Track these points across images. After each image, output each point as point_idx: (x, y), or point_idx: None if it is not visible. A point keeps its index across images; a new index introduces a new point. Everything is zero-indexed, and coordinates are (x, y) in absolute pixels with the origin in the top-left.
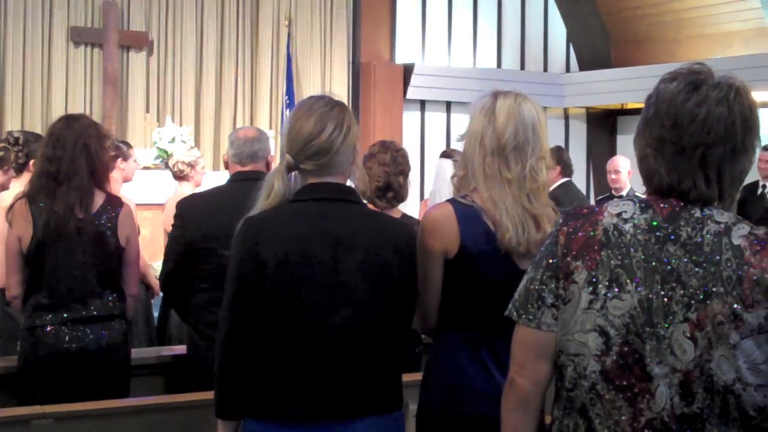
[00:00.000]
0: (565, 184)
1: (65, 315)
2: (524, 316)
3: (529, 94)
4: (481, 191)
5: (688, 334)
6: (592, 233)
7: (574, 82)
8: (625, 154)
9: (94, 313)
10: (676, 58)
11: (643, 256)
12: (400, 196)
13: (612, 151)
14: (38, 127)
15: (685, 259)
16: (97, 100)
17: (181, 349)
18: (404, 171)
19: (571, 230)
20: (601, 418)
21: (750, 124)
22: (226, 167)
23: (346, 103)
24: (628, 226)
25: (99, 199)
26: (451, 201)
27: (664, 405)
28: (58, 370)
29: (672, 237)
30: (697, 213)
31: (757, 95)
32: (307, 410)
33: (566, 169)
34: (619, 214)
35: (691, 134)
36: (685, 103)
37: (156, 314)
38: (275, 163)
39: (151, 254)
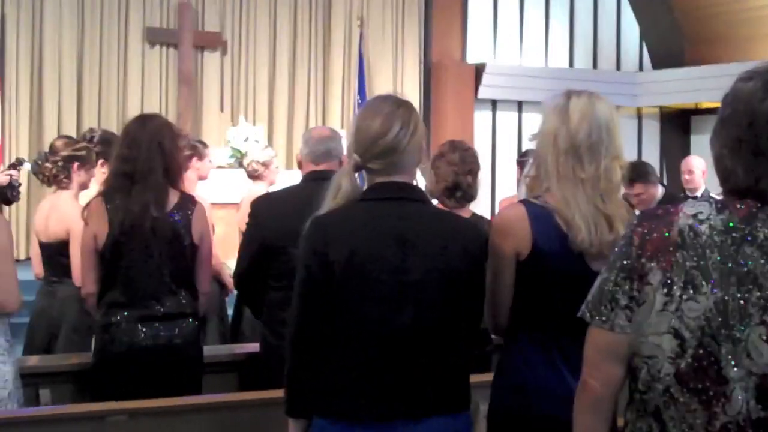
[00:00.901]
0: (668, 195)
1: (139, 312)
2: (597, 318)
3: (602, 93)
4: (554, 191)
5: (765, 337)
6: (667, 234)
7: (648, 81)
8: (699, 154)
9: (169, 310)
10: (751, 56)
11: (719, 258)
12: (469, 196)
13: (686, 151)
14: (114, 128)
15: (762, 261)
16: (172, 100)
17: (254, 346)
18: (473, 170)
19: (645, 231)
20: (675, 421)
21: None
22: (300, 166)
23: (416, 103)
24: (704, 227)
25: (173, 198)
26: (523, 201)
27: (740, 409)
28: (132, 367)
29: (749, 238)
30: None
31: None
32: (375, 409)
33: (658, 178)
34: (694, 215)
35: None
36: (762, 102)
37: (230, 312)
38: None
39: (225, 253)
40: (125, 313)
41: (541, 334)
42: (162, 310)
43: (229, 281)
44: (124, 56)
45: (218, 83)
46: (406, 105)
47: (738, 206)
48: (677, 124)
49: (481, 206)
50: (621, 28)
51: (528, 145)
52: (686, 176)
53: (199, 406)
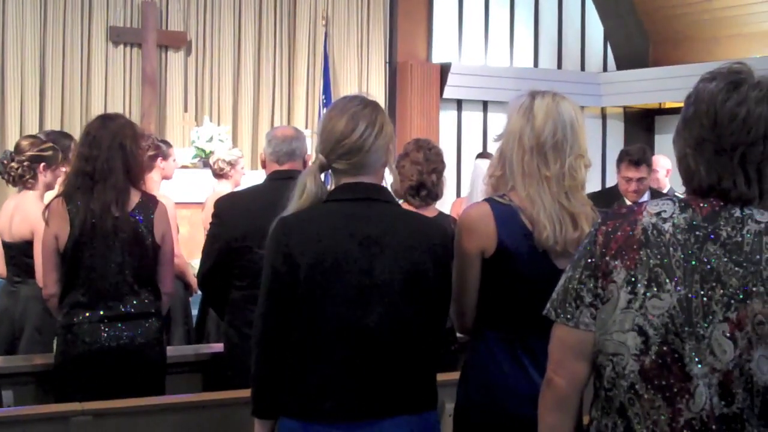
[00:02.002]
0: (653, 192)
1: (102, 312)
2: (562, 315)
3: (566, 93)
4: (518, 190)
5: (728, 334)
6: (631, 233)
7: (612, 81)
8: (663, 153)
9: (131, 310)
10: (714, 57)
11: (682, 256)
12: (434, 194)
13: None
14: (77, 127)
15: (725, 259)
16: (135, 99)
17: (218, 347)
18: (437, 169)
19: (609, 229)
20: (639, 417)
21: None
22: (263, 166)
23: (382, 102)
24: (667, 226)
25: (135, 197)
26: (488, 200)
27: (704, 405)
28: (94, 367)
29: (712, 236)
30: (737, 212)
31: None
32: (341, 408)
33: None
34: (658, 214)
35: (730, 134)
36: (724, 102)
37: (195, 312)
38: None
39: (190, 252)
40: (87, 314)
41: (507, 332)
42: (124, 310)
43: (194, 281)
44: (87, 56)
45: (182, 83)
46: (372, 105)
47: (701, 205)
48: (641, 124)
49: (446, 205)
50: (585, 29)
51: (493, 145)
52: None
53: (163, 407)
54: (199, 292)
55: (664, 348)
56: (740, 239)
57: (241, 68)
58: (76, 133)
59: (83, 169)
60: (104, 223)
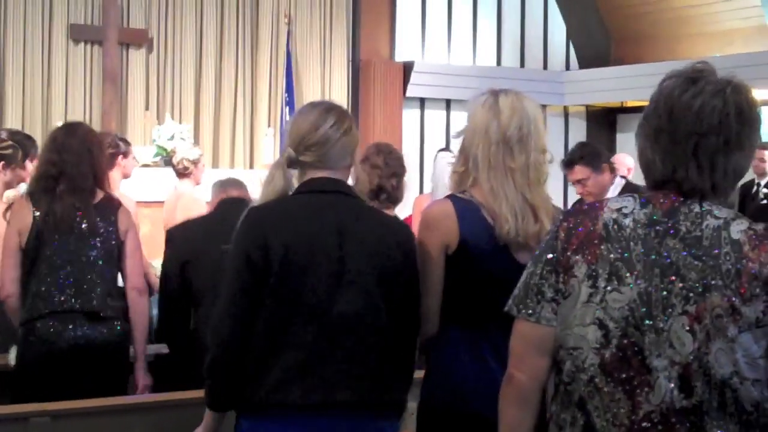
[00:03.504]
0: (627, 183)
1: (63, 312)
2: (524, 311)
3: (529, 92)
4: (482, 183)
5: (687, 327)
6: (592, 228)
7: (574, 80)
8: (625, 152)
9: (94, 310)
10: (675, 55)
11: (642, 250)
12: (394, 198)
13: (612, 150)
14: (38, 125)
15: (684, 253)
16: (96, 97)
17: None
18: (397, 173)
19: (571, 225)
20: (599, 410)
21: (745, 118)
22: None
23: (345, 100)
24: (628, 221)
25: (99, 196)
26: (450, 197)
27: (663, 398)
28: (55, 367)
29: (672, 231)
30: (696, 208)
31: (757, 93)
32: (308, 396)
33: (611, 165)
34: (619, 209)
35: (685, 123)
36: (681, 95)
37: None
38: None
39: (151, 252)
40: (48, 313)
41: (471, 329)
42: (87, 309)
43: (155, 281)
44: (47, 53)
45: (144, 81)
46: (339, 108)
47: (661, 201)
48: (603, 123)
49: (408, 202)
50: (548, 28)
51: (455, 141)
52: None
53: (123, 407)
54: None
55: (624, 341)
56: (699, 234)
57: (203, 66)
58: (37, 131)
59: (50, 172)
60: (69, 222)
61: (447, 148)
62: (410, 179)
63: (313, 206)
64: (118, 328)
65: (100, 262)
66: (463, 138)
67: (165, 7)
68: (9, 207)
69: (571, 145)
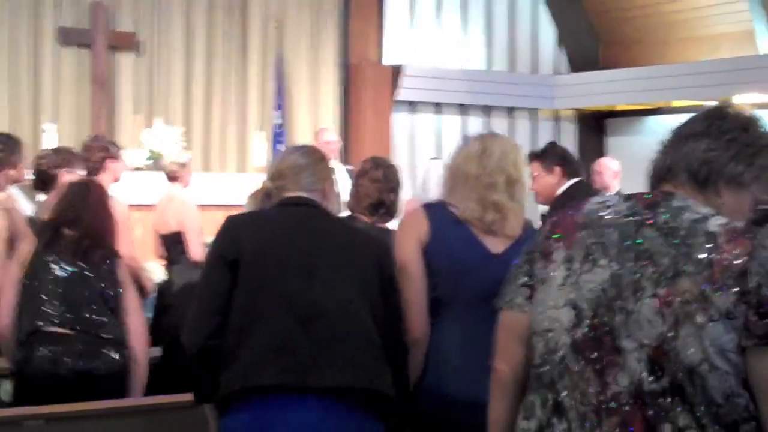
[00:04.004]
0: (577, 186)
1: (61, 345)
2: (501, 300)
3: (519, 95)
4: (457, 194)
5: (656, 310)
6: (574, 218)
7: (564, 84)
8: (615, 155)
9: (95, 342)
10: (665, 60)
11: (618, 236)
12: (392, 212)
13: (602, 154)
14: (25, 129)
15: (660, 240)
16: (85, 101)
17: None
18: (395, 188)
19: (556, 219)
20: (568, 390)
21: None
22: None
23: (334, 104)
24: (608, 211)
25: (100, 253)
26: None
27: (632, 379)
28: (51, 398)
29: (649, 221)
30: (678, 203)
31: (745, 98)
32: (284, 376)
33: (569, 169)
34: (602, 202)
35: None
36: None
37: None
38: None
39: (143, 256)
40: (45, 345)
41: (450, 320)
42: (87, 342)
43: (148, 284)
44: (35, 57)
45: (133, 84)
46: (311, 147)
47: (644, 196)
48: (593, 127)
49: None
50: (537, 32)
51: (446, 146)
52: (595, 177)
53: (117, 411)
54: (153, 295)
55: (596, 321)
56: (676, 224)
57: (193, 69)
58: (25, 135)
59: (59, 228)
60: (74, 261)
61: (436, 157)
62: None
63: (286, 213)
64: (118, 362)
65: (100, 299)
66: (447, 174)
67: (154, 10)
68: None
69: None
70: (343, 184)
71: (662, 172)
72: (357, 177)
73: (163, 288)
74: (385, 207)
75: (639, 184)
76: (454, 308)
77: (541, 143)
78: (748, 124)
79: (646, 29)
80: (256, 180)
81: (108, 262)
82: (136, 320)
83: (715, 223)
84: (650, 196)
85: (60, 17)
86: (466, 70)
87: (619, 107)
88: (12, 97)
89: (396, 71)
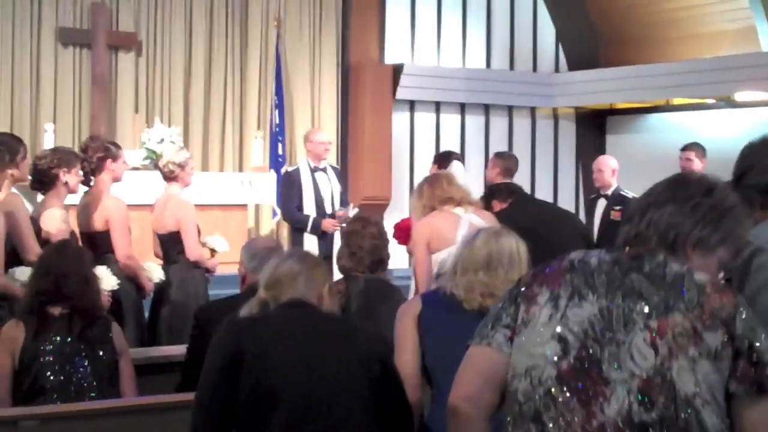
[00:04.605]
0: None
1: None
2: (477, 338)
3: (519, 94)
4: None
5: (649, 342)
6: (557, 266)
7: (563, 82)
8: (614, 154)
9: None
10: (665, 58)
11: (606, 278)
12: (386, 264)
13: (601, 151)
14: (26, 128)
15: (647, 283)
16: (85, 101)
17: (170, 349)
18: (388, 241)
19: (538, 269)
20: (553, 420)
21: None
22: (243, 281)
23: (334, 103)
24: (593, 259)
25: (95, 319)
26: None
27: (620, 410)
28: None
29: (635, 268)
30: (660, 258)
31: (745, 95)
32: None
33: (505, 171)
34: (585, 253)
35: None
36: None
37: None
38: None
39: (141, 255)
40: None
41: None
42: None
43: (147, 283)
44: (36, 57)
45: (133, 84)
46: (304, 251)
47: (626, 250)
48: (593, 125)
49: (404, 212)
50: (537, 30)
51: (446, 145)
52: (595, 175)
53: (112, 410)
54: (151, 295)
55: (583, 353)
56: (662, 274)
57: (193, 69)
58: (26, 135)
59: (42, 306)
60: (66, 347)
61: (457, 156)
62: (401, 182)
63: (288, 313)
64: None
65: (99, 384)
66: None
67: (154, 10)
68: None
69: (561, 146)
70: (335, 185)
71: (632, 240)
72: (348, 237)
73: (161, 287)
74: (384, 262)
75: (638, 182)
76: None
77: (541, 141)
78: (711, 188)
79: (646, 27)
80: (255, 180)
81: (103, 334)
82: (129, 388)
83: (701, 276)
84: (632, 250)
85: (60, 17)
86: (465, 69)
87: (619, 105)
88: (13, 97)
89: (396, 70)
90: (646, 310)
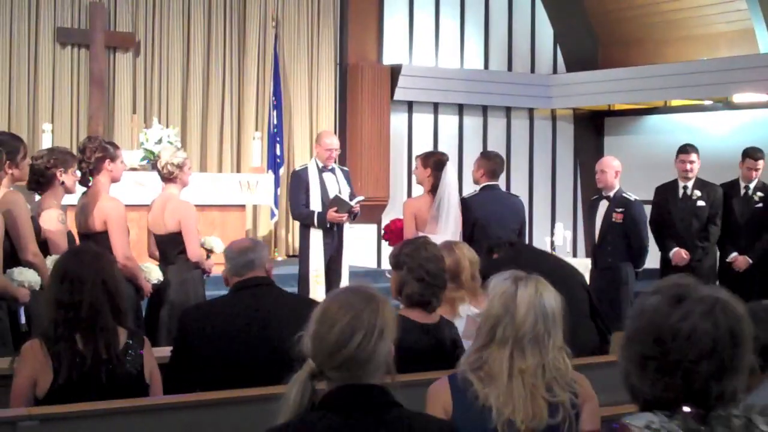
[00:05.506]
0: (489, 188)
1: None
2: None
3: (517, 95)
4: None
5: None
6: None
7: (561, 83)
8: (612, 154)
9: None
10: (663, 59)
11: None
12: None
13: (599, 152)
14: (24, 128)
15: None
16: (83, 101)
17: (169, 350)
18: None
19: None
20: None
21: (738, 340)
22: (227, 284)
23: (332, 104)
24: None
25: (122, 336)
26: (449, 377)
27: None
28: None
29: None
30: (721, 412)
31: (742, 97)
32: None
33: (489, 173)
34: (647, 426)
35: (674, 351)
36: (668, 317)
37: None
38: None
39: (140, 255)
40: None
41: None
42: None
43: (145, 284)
44: (34, 57)
45: (131, 84)
46: (374, 303)
47: (685, 410)
48: (591, 126)
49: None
50: (535, 31)
51: (444, 146)
52: (598, 175)
53: (112, 411)
54: (149, 296)
55: None
56: (730, 427)
57: (190, 70)
58: (24, 135)
59: (64, 318)
60: (96, 373)
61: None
62: (399, 182)
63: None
64: None
65: None
66: (480, 323)
67: (152, 10)
68: (18, 353)
69: (559, 147)
70: (343, 186)
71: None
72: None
73: (160, 288)
74: (432, 305)
75: (636, 183)
76: None
77: (539, 142)
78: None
79: (644, 28)
80: (253, 180)
81: (131, 351)
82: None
83: (764, 423)
84: (690, 409)
85: (58, 17)
86: (463, 70)
87: (617, 106)
88: (11, 96)
89: (394, 71)
90: None
